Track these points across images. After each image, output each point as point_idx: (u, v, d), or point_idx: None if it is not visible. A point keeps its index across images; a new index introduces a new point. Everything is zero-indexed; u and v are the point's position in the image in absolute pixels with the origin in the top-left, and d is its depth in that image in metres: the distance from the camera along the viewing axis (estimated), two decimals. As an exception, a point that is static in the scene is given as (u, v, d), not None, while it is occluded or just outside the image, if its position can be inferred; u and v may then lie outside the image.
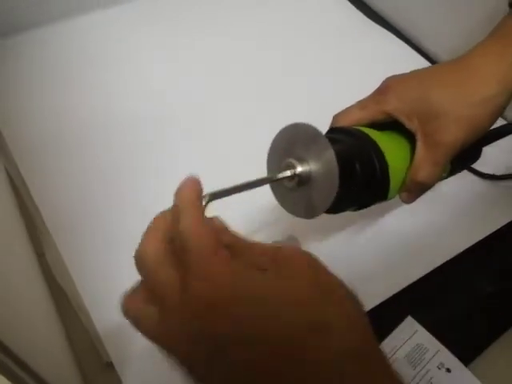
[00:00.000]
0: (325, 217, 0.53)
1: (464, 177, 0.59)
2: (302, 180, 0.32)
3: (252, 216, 0.53)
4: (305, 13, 0.77)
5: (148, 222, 0.52)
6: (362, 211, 0.41)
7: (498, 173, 0.58)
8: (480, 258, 0.52)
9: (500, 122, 0.56)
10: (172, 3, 0.77)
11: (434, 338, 0.46)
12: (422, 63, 0.70)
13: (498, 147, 0.61)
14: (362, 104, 0.41)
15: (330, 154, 0.31)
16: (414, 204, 0.42)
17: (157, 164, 0.57)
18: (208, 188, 0.30)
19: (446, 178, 0.45)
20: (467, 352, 0.46)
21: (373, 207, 0.41)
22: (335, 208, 0.36)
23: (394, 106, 0.39)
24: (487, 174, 0.58)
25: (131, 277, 0.49)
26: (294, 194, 0.34)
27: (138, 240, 0.53)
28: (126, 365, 0.43)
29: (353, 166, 0.36)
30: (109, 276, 0.49)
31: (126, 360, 0.44)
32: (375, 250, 0.52)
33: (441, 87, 0.39)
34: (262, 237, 0.52)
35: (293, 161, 0.32)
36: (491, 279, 0.51)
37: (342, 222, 0.53)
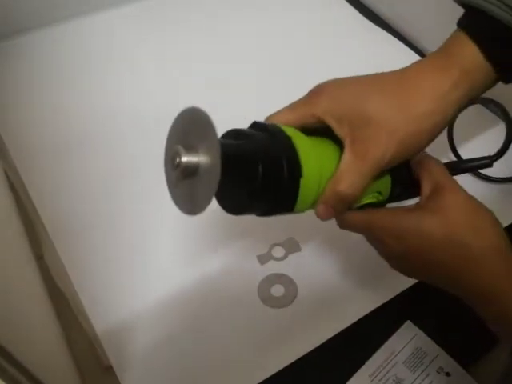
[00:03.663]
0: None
1: (463, 179, 0.59)
2: (188, 171, 0.29)
3: (250, 216, 0.53)
4: (304, 14, 0.77)
5: (147, 225, 0.52)
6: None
7: (499, 176, 0.58)
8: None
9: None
10: (174, 5, 0.77)
11: (433, 342, 0.46)
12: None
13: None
14: (292, 105, 0.38)
15: (216, 146, 0.27)
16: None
17: (157, 166, 0.57)
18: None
19: (384, 203, 0.40)
20: (467, 356, 0.46)
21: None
22: (233, 208, 0.33)
23: (324, 108, 0.36)
24: (487, 176, 0.58)
25: (130, 279, 0.49)
26: (181, 185, 0.30)
27: (138, 241, 0.53)
28: (126, 368, 0.43)
29: (254, 165, 0.31)
30: (108, 279, 0.49)
31: (125, 363, 0.44)
32: (374, 254, 0.52)
33: (379, 95, 0.36)
34: (259, 237, 0.52)
35: (180, 148, 0.29)
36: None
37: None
